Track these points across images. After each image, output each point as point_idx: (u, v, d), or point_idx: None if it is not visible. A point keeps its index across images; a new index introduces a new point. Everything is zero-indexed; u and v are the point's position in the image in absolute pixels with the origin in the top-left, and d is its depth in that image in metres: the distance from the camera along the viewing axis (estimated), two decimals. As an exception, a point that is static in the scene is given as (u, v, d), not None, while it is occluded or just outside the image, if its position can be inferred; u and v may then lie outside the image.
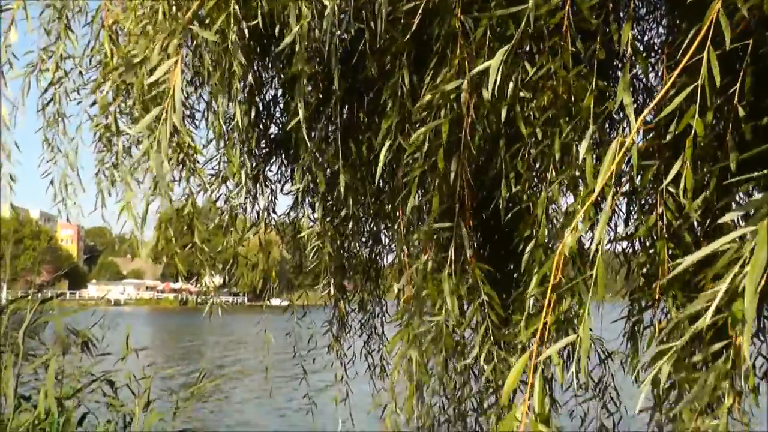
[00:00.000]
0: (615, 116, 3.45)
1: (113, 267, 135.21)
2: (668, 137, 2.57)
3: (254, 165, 4.31)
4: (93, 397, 6.17)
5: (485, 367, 3.40)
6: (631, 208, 3.31)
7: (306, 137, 3.52)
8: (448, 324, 3.19)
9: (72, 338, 6.10)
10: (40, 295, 6.41)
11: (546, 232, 2.91)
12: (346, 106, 4.60)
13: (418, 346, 3.34)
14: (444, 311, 3.12)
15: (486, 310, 3.23)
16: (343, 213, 4.28)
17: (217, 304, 4.66)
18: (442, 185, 3.14)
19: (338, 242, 4.57)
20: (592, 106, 2.70)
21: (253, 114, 4.09)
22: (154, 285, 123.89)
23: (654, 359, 1.98)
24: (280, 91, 4.55)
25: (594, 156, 2.75)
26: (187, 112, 4.09)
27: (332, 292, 4.75)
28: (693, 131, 2.18)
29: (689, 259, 1.77)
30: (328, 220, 4.44)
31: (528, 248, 2.96)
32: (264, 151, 4.53)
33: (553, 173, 2.89)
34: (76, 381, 5.98)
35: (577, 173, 2.78)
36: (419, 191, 3.38)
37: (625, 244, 3.39)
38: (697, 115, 2.13)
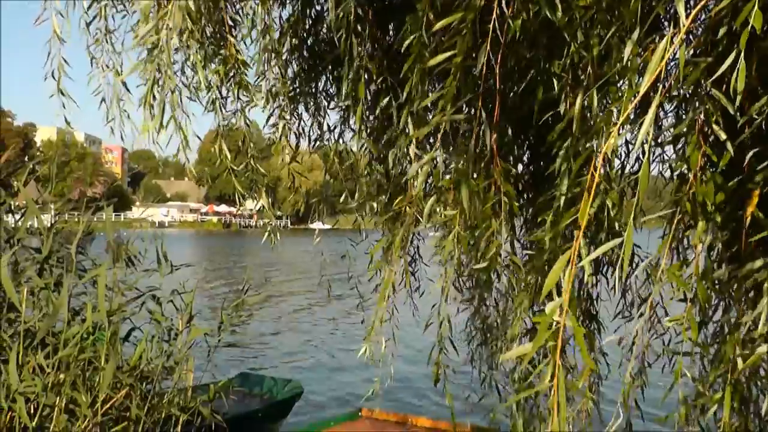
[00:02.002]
0: (660, 25, 3.30)
1: (157, 189, 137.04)
2: (720, 36, 2.44)
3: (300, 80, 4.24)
4: (138, 312, 6.28)
5: (503, 270, 3.37)
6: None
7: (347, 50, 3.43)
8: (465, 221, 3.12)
9: (119, 251, 6.19)
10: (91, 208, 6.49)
11: (580, 133, 2.82)
12: (391, 24, 4.51)
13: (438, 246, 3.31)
14: (460, 208, 3.05)
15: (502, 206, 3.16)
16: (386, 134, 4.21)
17: (274, 229, 4.61)
18: (463, 77, 3.01)
19: (380, 161, 4.53)
20: (639, 7, 2.56)
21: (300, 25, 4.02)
22: (197, 207, 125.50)
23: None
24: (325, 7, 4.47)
25: (638, 59, 2.62)
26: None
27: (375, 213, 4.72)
28: (749, 28, 2.04)
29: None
30: (372, 139, 4.38)
31: (563, 149, 2.88)
32: (309, 66, 4.46)
33: (591, 76, 2.79)
34: (121, 295, 6.08)
35: (617, 76, 2.67)
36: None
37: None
38: (756, 8, 1.99)
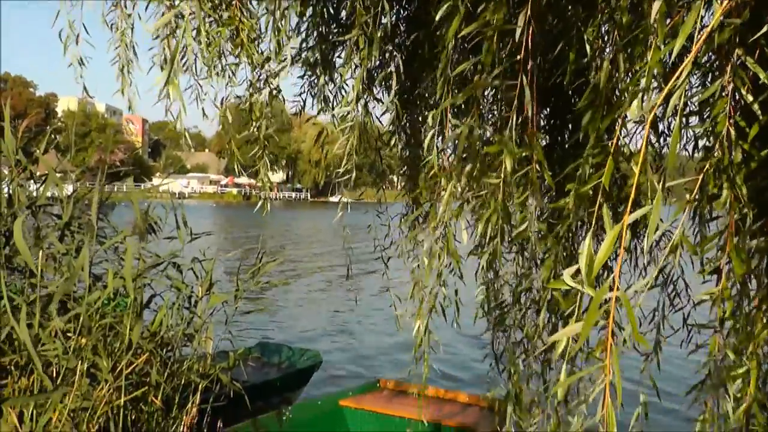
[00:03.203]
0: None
1: (177, 161, 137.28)
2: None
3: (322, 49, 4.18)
4: (159, 279, 6.33)
5: (534, 241, 3.34)
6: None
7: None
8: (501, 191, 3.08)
9: (144, 221, 6.23)
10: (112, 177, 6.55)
11: (606, 97, 2.78)
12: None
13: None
14: (502, 174, 3.00)
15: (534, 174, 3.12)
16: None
17: (280, 199, 4.59)
18: (498, 44, 2.97)
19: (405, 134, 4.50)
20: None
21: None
22: (217, 179, 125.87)
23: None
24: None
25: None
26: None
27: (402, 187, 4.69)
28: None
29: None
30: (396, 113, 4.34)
31: (588, 115, 2.84)
32: (332, 35, 4.41)
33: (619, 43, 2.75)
34: (142, 262, 6.12)
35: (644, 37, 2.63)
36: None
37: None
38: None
